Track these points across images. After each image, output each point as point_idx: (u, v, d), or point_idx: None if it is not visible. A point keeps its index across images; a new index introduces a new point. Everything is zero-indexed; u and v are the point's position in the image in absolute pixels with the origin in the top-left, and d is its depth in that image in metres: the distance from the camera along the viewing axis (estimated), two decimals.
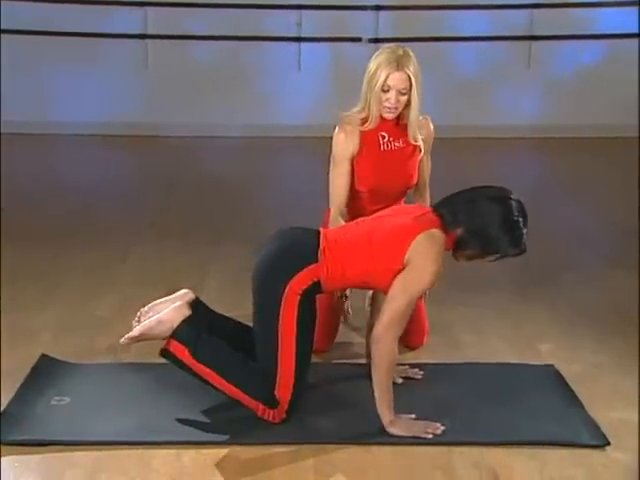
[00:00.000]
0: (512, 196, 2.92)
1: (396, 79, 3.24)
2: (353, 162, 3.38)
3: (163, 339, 2.97)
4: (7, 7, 7.41)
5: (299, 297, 2.87)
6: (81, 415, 2.99)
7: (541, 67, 7.86)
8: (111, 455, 2.77)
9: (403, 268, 2.84)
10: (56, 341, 3.57)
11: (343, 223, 3.30)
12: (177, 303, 3.01)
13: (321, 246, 2.91)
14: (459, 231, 2.88)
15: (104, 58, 7.72)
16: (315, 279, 2.89)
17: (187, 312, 2.99)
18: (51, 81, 7.79)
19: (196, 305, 3.06)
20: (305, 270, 2.88)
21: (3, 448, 2.78)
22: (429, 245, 2.84)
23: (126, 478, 2.66)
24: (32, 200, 5.80)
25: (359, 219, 3.09)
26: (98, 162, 7.14)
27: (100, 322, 3.75)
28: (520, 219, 2.88)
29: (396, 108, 3.29)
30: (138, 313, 3.09)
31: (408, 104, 3.29)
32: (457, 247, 2.93)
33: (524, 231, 2.89)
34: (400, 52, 3.26)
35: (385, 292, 2.90)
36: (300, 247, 2.94)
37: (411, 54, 3.28)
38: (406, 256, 2.84)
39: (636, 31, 7.66)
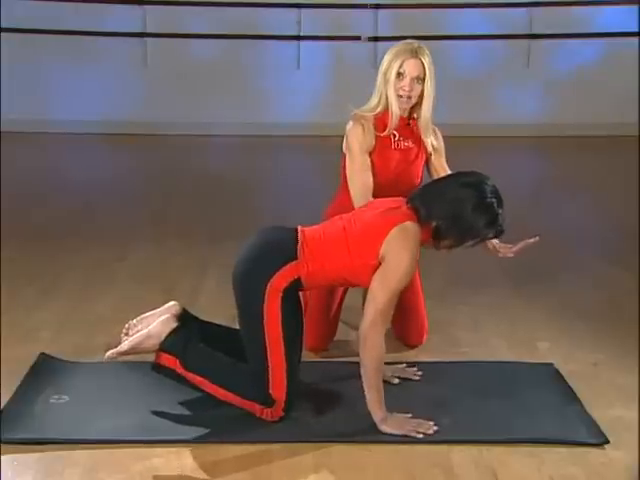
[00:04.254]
0: (484, 180, 2.93)
1: (411, 65, 3.25)
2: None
3: (152, 352, 2.98)
4: (7, 6, 7.42)
5: (281, 295, 2.87)
6: (80, 413, 2.99)
7: (540, 66, 7.87)
8: (110, 453, 2.77)
9: (379, 263, 2.85)
10: (55, 340, 3.57)
11: None
12: (164, 316, 3.02)
13: (299, 243, 2.91)
14: (434, 222, 2.89)
15: (103, 56, 7.74)
16: (295, 276, 2.89)
17: (174, 324, 3.01)
18: (50, 79, 7.80)
19: (184, 316, 3.08)
20: (285, 268, 2.88)
21: (2, 446, 2.77)
22: (403, 238, 2.84)
23: (125, 476, 2.66)
24: (31, 199, 5.81)
25: (336, 216, 3.07)
26: (97, 160, 7.15)
27: (99, 321, 3.76)
28: (493, 200, 2.89)
29: (409, 97, 3.28)
30: (126, 325, 3.09)
31: (421, 97, 3.29)
32: (435, 238, 2.93)
33: (499, 211, 2.90)
34: (415, 44, 3.31)
35: (364, 287, 2.91)
36: (278, 245, 2.94)
37: (425, 48, 3.31)
38: (381, 251, 2.84)
39: (636, 30, 7.67)
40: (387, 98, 3.29)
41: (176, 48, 7.77)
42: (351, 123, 3.36)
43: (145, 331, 2.98)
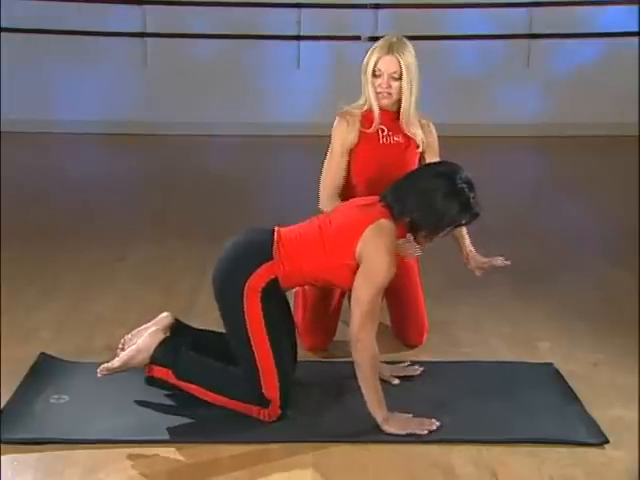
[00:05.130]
0: (454, 168, 2.93)
1: (386, 62, 3.25)
2: (351, 154, 3.38)
3: (144, 366, 2.99)
4: (7, 6, 7.42)
5: (260, 295, 2.88)
6: (80, 413, 2.99)
7: (540, 66, 7.87)
8: (110, 453, 2.77)
9: (356, 263, 2.85)
10: (55, 340, 3.57)
11: (338, 202, 3.30)
12: (152, 329, 3.03)
13: (275, 243, 2.91)
14: (408, 217, 2.89)
15: (103, 56, 7.73)
16: (272, 276, 2.89)
17: (162, 336, 3.01)
18: (50, 79, 7.80)
19: (176, 326, 3.08)
20: (261, 268, 2.88)
21: (2, 446, 2.78)
22: (378, 236, 2.84)
23: (125, 476, 2.67)
24: (31, 199, 5.80)
25: (313, 217, 3.07)
26: (97, 160, 7.14)
27: (99, 321, 3.75)
28: (464, 185, 2.89)
29: (389, 94, 3.28)
30: (122, 340, 3.09)
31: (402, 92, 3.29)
32: (412, 232, 2.94)
33: (471, 195, 2.90)
34: (393, 39, 3.30)
35: (343, 288, 2.93)
36: (255, 246, 2.94)
37: (406, 42, 3.29)
38: (357, 250, 2.85)
39: (636, 29, 7.67)
40: (368, 94, 3.30)
41: (176, 48, 7.77)
42: (337, 119, 3.38)
43: (134, 347, 2.99)
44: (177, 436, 2.86)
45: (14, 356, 3.36)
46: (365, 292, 2.83)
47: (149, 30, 7.70)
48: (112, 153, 7.36)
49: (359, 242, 2.84)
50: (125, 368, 2.98)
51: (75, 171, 6.78)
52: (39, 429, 2.88)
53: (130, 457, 2.76)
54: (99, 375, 2.99)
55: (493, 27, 7.75)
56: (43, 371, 3.26)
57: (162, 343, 2.99)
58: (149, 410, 3.02)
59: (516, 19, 7.75)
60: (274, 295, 2.93)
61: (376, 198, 2.98)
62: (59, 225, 5.22)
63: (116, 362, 2.98)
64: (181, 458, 2.76)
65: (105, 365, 2.98)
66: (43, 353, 3.39)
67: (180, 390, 2.99)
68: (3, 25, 7.50)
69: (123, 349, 3.05)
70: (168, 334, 3.03)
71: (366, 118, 3.34)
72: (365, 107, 3.34)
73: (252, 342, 2.89)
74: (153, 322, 3.08)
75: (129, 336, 3.09)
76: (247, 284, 2.87)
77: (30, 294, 4.06)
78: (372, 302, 2.84)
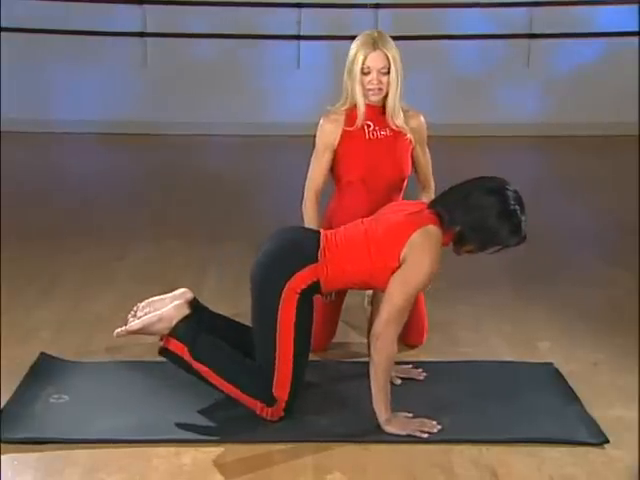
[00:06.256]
0: (507, 186, 2.91)
1: (374, 58, 3.25)
2: (336, 153, 3.38)
3: (160, 336, 2.98)
4: (7, 5, 7.41)
5: (298, 297, 2.87)
6: (80, 413, 2.99)
7: (540, 66, 7.86)
8: (110, 453, 2.77)
9: (399, 265, 2.84)
10: (55, 339, 3.57)
11: (315, 206, 3.38)
12: (177, 302, 3.02)
13: (321, 246, 2.91)
14: (457, 227, 2.87)
15: (103, 56, 7.73)
16: (314, 279, 2.88)
17: (187, 311, 3.01)
18: (50, 79, 7.80)
19: (195, 305, 3.07)
20: (305, 270, 2.87)
21: (2, 446, 2.78)
22: (425, 242, 2.83)
23: (125, 476, 2.67)
24: (31, 198, 5.80)
25: (358, 220, 3.07)
26: (97, 160, 7.14)
27: (99, 321, 3.75)
28: (517, 207, 2.87)
29: (380, 89, 3.28)
30: (135, 307, 3.09)
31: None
32: (457, 243, 2.92)
33: (522, 219, 2.88)
34: (375, 34, 3.29)
35: (382, 290, 2.91)
36: (300, 247, 2.94)
37: (386, 35, 3.30)
38: (402, 253, 2.83)
39: (635, 29, 7.66)
40: (354, 92, 3.30)
41: (176, 48, 7.76)
42: (321, 120, 3.39)
43: (158, 313, 2.98)
44: (178, 436, 2.86)
45: (14, 356, 3.36)
46: (398, 293, 2.82)
47: (149, 30, 7.69)
48: (112, 153, 7.36)
49: (405, 245, 2.83)
50: (142, 332, 2.99)
51: (75, 171, 6.78)
52: (39, 429, 2.88)
53: (130, 457, 2.75)
54: (115, 336, 3.00)
55: (493, 27, 7.75)
56: (43, 371, 3.26)
57: (185, 319, 2.98)
58: (150, 410, 3.02)
59: (516, 19, 7.75)
60: (308, 299, 2.92)
61: (424, 205, 2.98)
62: (59, 225, 5.22)
63: (135, 325, 2.99)
64: (181, 458, 2.76)
65: (124, 327, 3.00)
66: (43, 353, 3.39)
67: (189, 369, 2.95)
68: (3, 25, 7.49)
69: (135, 316, 3.05)
70: (191, 310, 3.02)
71: (350, 117, 3.35)
72: (347, 105, 3.34)
73: (277, 341, 2.88)
74: (173, 295, 3.07)
75: (142, 304, 3.08)
76: (288, 285, 2.86)
77: (30, 294, 4.06)
78: (404, 303, 2.83)
